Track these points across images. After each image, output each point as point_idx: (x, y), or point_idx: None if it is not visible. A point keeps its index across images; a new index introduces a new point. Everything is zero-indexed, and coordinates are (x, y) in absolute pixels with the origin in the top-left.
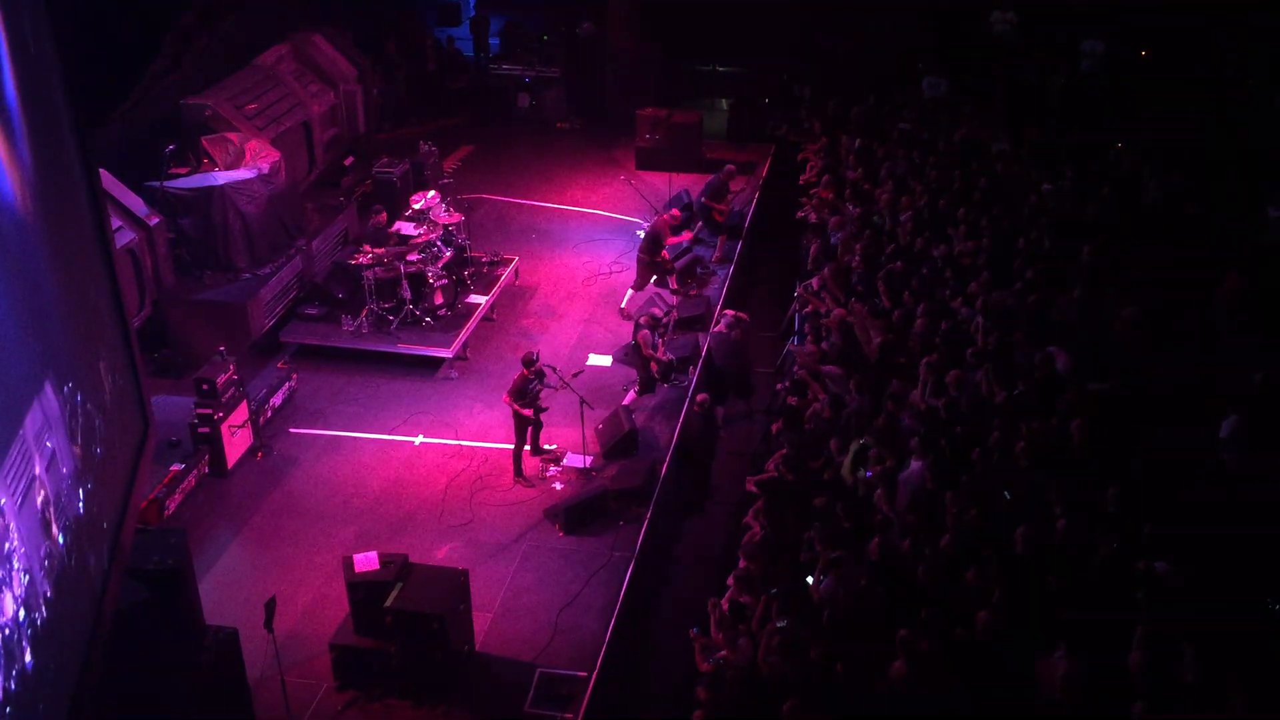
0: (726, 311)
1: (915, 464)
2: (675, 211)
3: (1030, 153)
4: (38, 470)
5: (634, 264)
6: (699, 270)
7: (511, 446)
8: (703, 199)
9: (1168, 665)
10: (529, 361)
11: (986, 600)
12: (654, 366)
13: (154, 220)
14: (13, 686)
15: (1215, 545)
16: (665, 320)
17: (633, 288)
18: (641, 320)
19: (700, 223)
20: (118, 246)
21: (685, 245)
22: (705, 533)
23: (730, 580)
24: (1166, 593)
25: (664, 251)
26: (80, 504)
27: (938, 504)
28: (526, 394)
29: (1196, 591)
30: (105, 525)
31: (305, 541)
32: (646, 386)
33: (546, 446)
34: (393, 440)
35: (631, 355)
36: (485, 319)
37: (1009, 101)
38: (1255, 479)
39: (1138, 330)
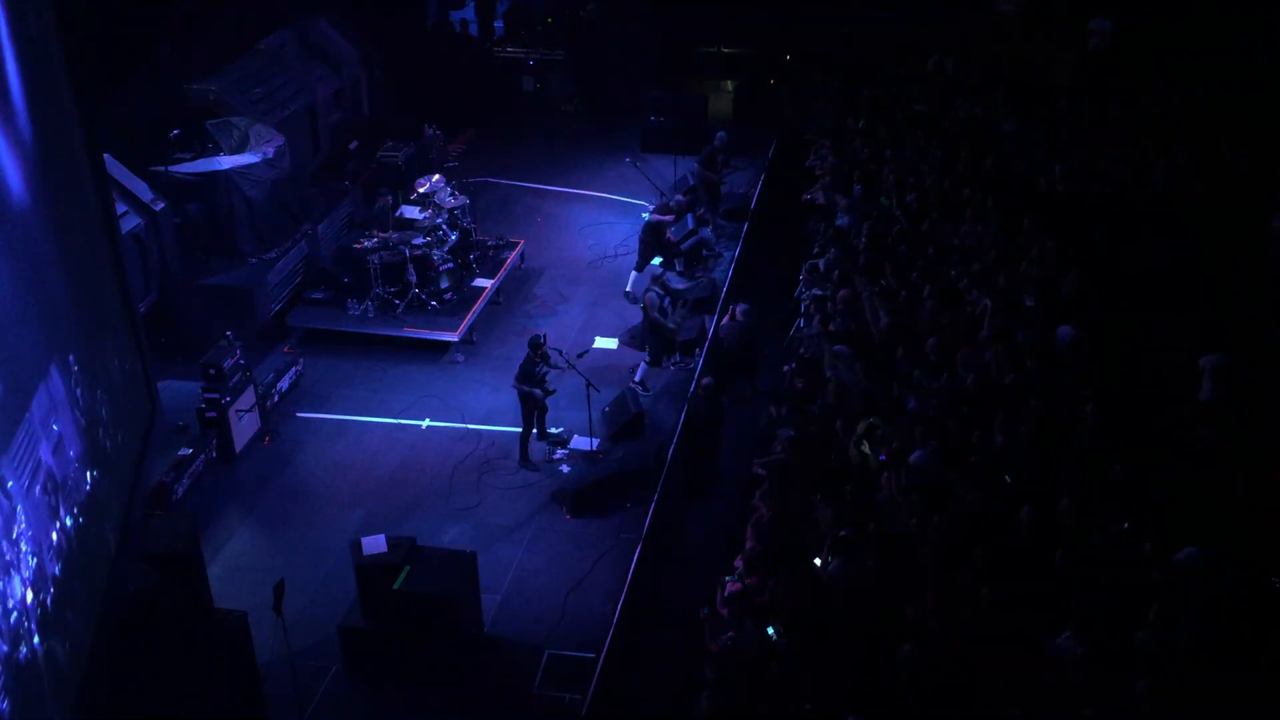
0: (738, 305)
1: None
2: (670, 207)
3: (1037, 132)
4: (45, 453)
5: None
6: (705, 253)
7: (519, 430)
8: (700, 169)
9: (1172, 642)
10: (535, 344)
11: (992, 582)
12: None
13: (159, 205)
14: (22, 667)
15: (1220, 519)
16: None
17: (635, 269)
18: (650, 284)
19: (701, 208)
20: (123, 231)
21: (690, 227)
22: (712, 515)
23: (738, 562)
24: (1183, 574)
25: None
26: (88, 487)
27: (943, 486)
28: (534, 376)
29: (1207, 570)
30: (113, 509)
31: (313, 525)
32: (656, 358)
33: (553, 430)
34: (400, 424)
35: (640, 333)
36: (491, 302)
37: (1016, 81)
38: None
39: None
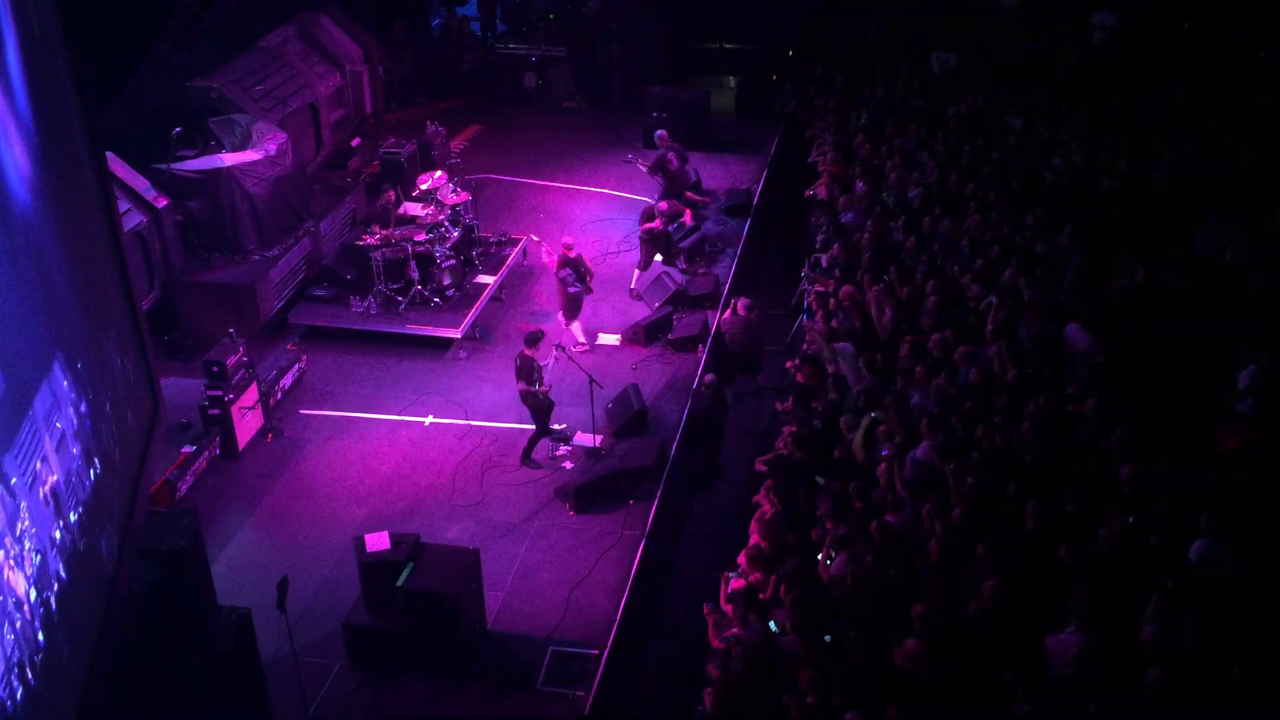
0: (740, 299)
1: (924, 442)
2: (663, 205)
3: (1041, 127)
4: (48, 450)
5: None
6: (707, 248)
7: (525, 427)
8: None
9: (1173, 636)
10: (532, 340)
11: (994, 576)
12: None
13: (162, 203)
14: (26, 665)
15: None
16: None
17: (639, 268)
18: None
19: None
20: (125, 229)
21: (691, 224)
22: (715, 511)
23: (741, 558)
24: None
25: (656, 222)
26: (91, 485)
27: (946, 481)
28: (534, 374)
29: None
30: (117, 506)
31: (317, 522)
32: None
33: (555, 426)
34: (403, 421)
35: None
36: (494, 299)
37: (1019, 76)
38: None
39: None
